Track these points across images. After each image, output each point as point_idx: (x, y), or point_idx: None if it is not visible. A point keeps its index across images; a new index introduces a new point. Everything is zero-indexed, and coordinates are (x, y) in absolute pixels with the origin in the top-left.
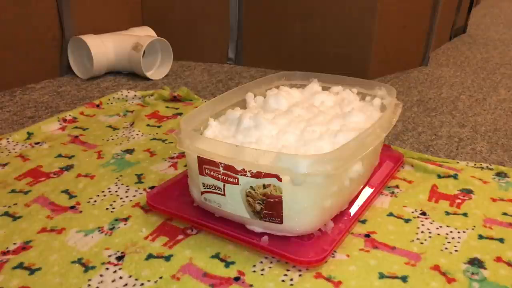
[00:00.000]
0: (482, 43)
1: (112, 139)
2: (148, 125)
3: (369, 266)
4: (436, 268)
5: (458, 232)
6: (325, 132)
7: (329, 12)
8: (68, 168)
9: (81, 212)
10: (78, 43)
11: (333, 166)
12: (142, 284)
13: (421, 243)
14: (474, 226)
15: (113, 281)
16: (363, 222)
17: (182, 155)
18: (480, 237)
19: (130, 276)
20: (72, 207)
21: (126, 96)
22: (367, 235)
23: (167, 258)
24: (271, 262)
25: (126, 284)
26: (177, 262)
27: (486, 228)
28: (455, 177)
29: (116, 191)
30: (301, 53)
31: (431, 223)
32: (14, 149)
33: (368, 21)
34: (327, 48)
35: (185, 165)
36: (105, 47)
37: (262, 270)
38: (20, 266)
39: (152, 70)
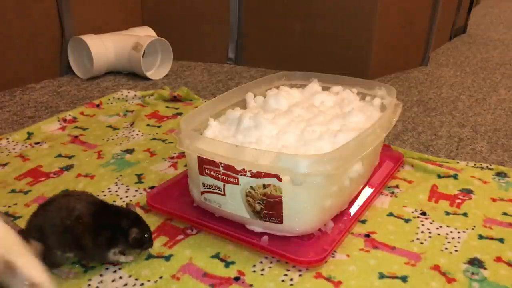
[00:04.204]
0: (482, 43)
1: (112, 139)
2: (148, 125)
3: (369, 266)
4: (436, 268)
5: (458, 232)
6: (325, 132)
7: (329, 12)
8: (68, 168)
9: None
10: (78, 43)
11: (333, 166)
12: (142, 284)
13: (421, 243)
14: (474, 226)
15: (113, 281)
16: (363, 222)
17: (182, 155)
18: (480, 237)
19: (130, 276)
20: None
21: (126, 96)
22: (367, 235)
23: (167, 258)
24: (271, 262)
25: (126, 284)
26: (177, 262)
27: (486, 228)
28: (455, 177)
29: (116, 191)
30: (301, 53)
31: (431, 223)
32: (14, 149)
33: (368, 21)
34: (327, 48)
35: (185, 165)
36: (105, 47)
37: (262, 270)
38: None
39: (152, 70)
